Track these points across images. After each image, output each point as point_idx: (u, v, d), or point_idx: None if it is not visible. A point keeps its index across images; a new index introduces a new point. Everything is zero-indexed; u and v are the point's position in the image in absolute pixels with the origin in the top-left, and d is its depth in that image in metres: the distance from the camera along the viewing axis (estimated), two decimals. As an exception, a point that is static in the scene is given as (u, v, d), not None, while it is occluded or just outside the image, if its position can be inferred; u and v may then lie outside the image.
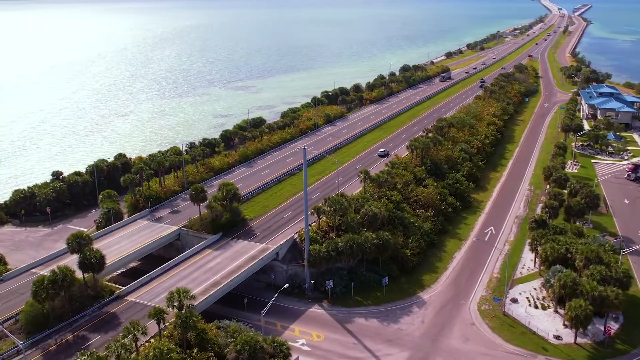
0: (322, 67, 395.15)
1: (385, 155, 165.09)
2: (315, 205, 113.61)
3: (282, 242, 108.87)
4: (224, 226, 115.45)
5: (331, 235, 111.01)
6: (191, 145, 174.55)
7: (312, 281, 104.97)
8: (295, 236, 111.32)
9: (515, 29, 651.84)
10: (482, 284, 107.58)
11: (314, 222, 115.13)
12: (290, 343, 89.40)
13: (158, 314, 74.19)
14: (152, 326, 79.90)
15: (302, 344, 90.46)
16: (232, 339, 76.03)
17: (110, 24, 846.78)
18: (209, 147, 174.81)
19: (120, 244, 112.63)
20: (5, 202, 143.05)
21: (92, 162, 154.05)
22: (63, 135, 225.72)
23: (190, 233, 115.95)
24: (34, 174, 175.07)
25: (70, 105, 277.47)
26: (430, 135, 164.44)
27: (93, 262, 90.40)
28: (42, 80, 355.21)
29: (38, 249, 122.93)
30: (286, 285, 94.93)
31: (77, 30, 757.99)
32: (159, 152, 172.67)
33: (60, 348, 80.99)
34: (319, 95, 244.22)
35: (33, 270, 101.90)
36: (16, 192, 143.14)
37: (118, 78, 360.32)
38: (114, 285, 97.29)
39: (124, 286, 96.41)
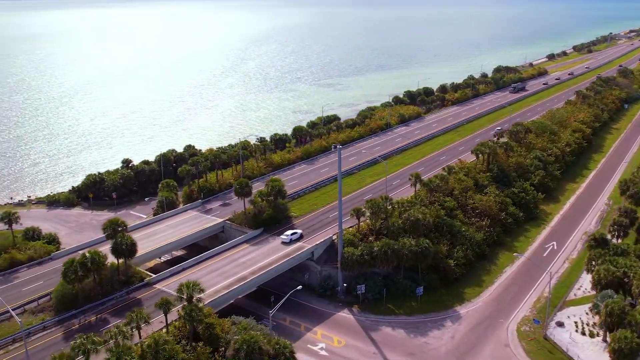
0: (416, 67, 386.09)
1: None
2: (356, 207, 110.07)
3: (317, 242, 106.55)
4: (266, 222, 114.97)
5: (370, 238, 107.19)
6: (261, 140, 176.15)
7: (344, 284, 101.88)
8: (334, 237, 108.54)
9: (631, 31, 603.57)
10: (528, 303, 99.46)
11: (354, 224, 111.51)
12: (309, 346, 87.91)
13: (164, 305, 74.47)
14: (171, 315, 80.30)
15: (321, 348, 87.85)
16: (237, 336, 74.93)
17: (219, 20, 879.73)
18: (280, 142, 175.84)
19: (166, 233, 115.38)
20: (77, 185, 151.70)
21: (161, 152, 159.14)
22: (148, 125, 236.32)
23: (233, 226, 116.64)
24: (114, 161, 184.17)
25: (162, 98, 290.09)
26: (501, 140, 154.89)
27: (124, 249, 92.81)
28: (143, 73, 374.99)
29: (98, 232, 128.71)
30: (299, 287, 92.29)
31: (187, 25, 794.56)
32: (229, 145, 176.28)
33: (81, 328, 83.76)
34: (401, 95, 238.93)
35: (81, 251, 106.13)
36: (88, 177, 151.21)
37: (212, 73, 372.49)
38: (146, 272, 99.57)
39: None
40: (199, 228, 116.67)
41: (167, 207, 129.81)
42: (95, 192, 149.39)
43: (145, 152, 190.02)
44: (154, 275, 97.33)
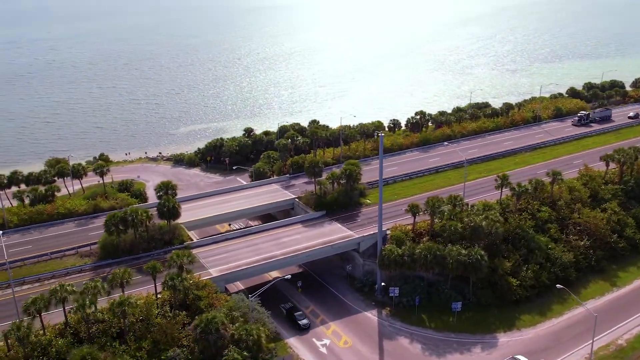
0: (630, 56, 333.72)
1: None
2: (413, 202, 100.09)
3: (365, 234, 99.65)
4: (330, 205, 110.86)
5: (424, 239, 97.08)
6: (394, 123, 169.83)
7: (383, 284, 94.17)
8: (388, 231, 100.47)
9: None
10: (587, 349, 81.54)
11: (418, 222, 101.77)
12: (313, 339, 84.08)
13: (152, 269, 76.13)
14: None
15: (323, 345, 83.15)
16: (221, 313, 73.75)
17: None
18: (415, 126, 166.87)
19: (240, 201, 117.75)
20: (200, 148, 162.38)
21: (279, 124, 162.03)
22: (317, 94, 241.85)
23: (300, 205, 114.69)
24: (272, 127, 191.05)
25: (342, 72, 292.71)
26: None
27: (165, 211, 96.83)
28: (335, 45, 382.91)
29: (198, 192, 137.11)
30: (287, 276, 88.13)
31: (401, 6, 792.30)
32: (360, 124, 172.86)
33: (106, 276, 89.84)
34: (580, 87, 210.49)
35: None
36: (212, 141, 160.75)
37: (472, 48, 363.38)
38: (191, 236, 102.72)
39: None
40: (270, 201, 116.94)
41: (257, 177, 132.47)
42: (214, 156, 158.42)
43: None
44: (194, 240, 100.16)
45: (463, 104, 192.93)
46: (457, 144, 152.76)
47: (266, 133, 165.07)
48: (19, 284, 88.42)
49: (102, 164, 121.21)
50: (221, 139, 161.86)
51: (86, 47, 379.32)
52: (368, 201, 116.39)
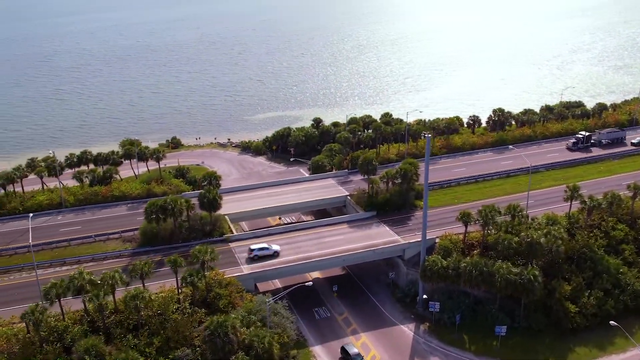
0: None
1: None
2: (467, 210, 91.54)
3: (412, 241, 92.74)
4: (381, 205, 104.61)
5: (474, 252, 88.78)
6: (473, 120, 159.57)
7: (425, 296, 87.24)
8: (437, 239, 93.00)
9: None
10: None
11: (469, 232, 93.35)
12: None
13: (172, 264, 74.23)
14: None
15: (349, 357, 77.65)
16: (234, 316, 70.82)
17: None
18: (495, 124, 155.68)
19: (291, 195, 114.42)
20: (268, 136, 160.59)
21: (348, 116, 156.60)
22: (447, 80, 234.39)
23: (351, 203, 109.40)
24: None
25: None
26: None
27: (205, 202, 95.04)
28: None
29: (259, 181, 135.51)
30: (309, 283, 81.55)
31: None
32: (436, 119, 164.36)
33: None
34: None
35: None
36: (280, 130, 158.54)
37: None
38: (233, 229, 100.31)
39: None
40: (322, 197, 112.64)
41: (315, 170, 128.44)
42: (280, 145, 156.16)
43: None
44: (234, 233, 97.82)
45: (555, 102, 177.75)
46: (536, 146, 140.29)
47: (335, 124, 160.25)
48: (60, 264, 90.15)
49: (158, 149, 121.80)
50: (289, 128, 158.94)
51: (184, 31, 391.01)
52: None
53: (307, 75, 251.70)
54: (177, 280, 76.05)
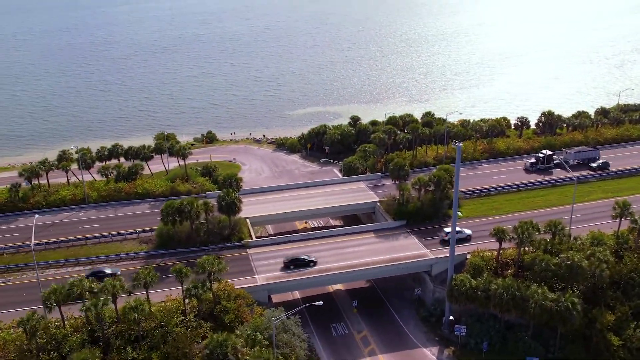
0: None
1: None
2: (502, 226, 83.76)
3: (440, 256, 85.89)
4: (411, 214, 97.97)
5: (507, 272, 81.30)
6: (521, 121, 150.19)
7: (452, 317, 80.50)
8: (469, 255, 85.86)
9: None
10: None
11: (505, 248, 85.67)
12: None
13: (177, 273, 70.15)
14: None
15: (362, 382, 72.11)
16: (236, 335, 66.31)
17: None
18: (544, 127, 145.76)
19: (319, 198, 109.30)
20: (304, 133, 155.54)
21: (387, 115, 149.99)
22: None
23: (379, 210, 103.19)
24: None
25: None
26: None
27: (224, 205, 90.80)
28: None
29: (292, 181, 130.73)
30: (319, 303, 74.54)
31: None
32: (481, 120, 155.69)
33: (156, 268, 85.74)
34: None
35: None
36: (315, 128, 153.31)
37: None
38: (252, 233, 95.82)
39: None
40: (351, 202, 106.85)
41: (347, 172, 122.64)
42: (316, 143, 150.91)
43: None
44: (252, 239, 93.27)
45: (612, 104, 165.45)
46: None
47: (373, 123, 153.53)
48: (73, 265, 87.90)
49: (184, 146, 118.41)
50: (325, 125, 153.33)
51: (235, 22, 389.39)
52: (460, 214, 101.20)
53: (351, 69, 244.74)
54: (182, 290, 71.98)
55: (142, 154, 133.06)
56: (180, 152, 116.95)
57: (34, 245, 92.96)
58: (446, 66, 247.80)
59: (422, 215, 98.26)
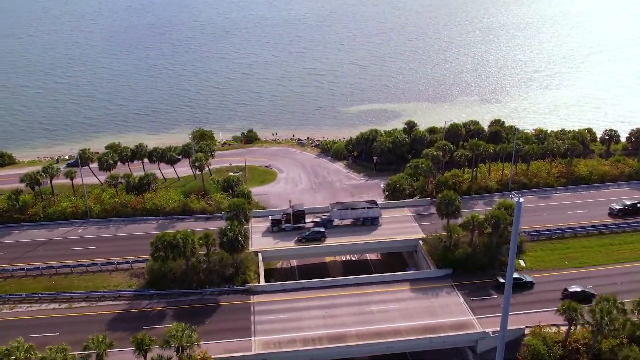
0: None
1: None
2: (573, 303, 63.04)
3: (489, 329, 66.51)
4: (459, 262, 78.63)
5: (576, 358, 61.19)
6: (610, 135, 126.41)
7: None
8: (527, 331, 66.12)
9: None
10: None
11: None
12: None
13: (136, 345, 54.97)
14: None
15: None
16: None
17: None
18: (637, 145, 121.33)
19: (359, 230, 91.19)
20: (352, 138, 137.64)
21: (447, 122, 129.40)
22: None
23: (421, 251, 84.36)
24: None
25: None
26: None
27: (226, 242, 74.93)
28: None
29: (335, 198, 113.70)
30: None
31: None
32: (561, 130, 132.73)
33: (140, 313, 72.08)
34: None
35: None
36: (365, 133, 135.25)
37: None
38: (261, 272, 79.55)
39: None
40: (388, 237, 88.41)
41: (391, 194, 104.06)
42: (364, 150, 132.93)
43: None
44: (259, 284, 76.98)
45: None
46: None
47: (431, 130, 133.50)
48: (49, 300, 75.09)
49: (200, 156, 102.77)
50: (375, 131, 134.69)
51: (303, 4, 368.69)
52: (522, 263, 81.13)
53: (417, 62, 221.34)
54: (146, 364, 56.96)
55: (167, 156, 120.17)
56: (196, 162, 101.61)
57: (14, 270, 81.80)
58: (525, 61, 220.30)
59: (473, 264, 78.78)
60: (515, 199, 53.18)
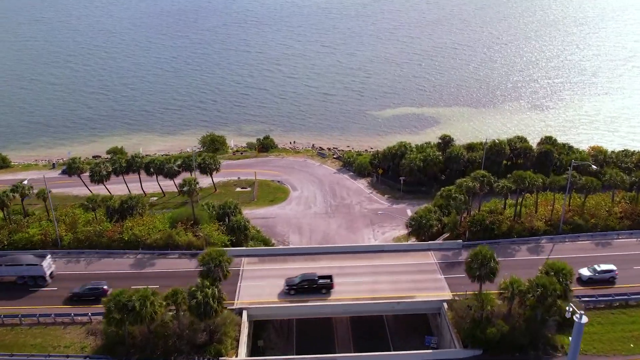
0: None
1: None
2: None
3: None
4: (492, 342, 61.68)
5: None
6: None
7: None
8: None
9: None
10: None
11: None
12: None
13: None
14: None
15: None
16: None
17: None
18: None
19: (358, 278, 75.57)
20: (377, 153, 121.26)
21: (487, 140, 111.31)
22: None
23: (445, 318, 67.65)
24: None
25: None
26: None
27: (195, 305, 59.84)
28: None
29: (339, 228, 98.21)
30: None
31: None
32: (625, 151, 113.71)
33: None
34: None
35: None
36: (392, 147, 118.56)
37: None
38: (243, 339, 64.32)
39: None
40: (404, 294, 71.88)
41: (415, 230, 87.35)
42: (391, 167, 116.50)
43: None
44: (238, 358, 61.78)
45: None
46: None
47: (470, 147, 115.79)
48: (-18, 365, 61.87)
49: (190, 180, 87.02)
50: (404, 145, 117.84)
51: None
52: (593, 349, 63.53)
53: (459, 59, 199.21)
54: None
55: (165, 169, 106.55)
56: (184, 187, 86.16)
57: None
58: (584, 61, 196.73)
59: (510, 345, 61.69)
60: (576, 318, 36.09)
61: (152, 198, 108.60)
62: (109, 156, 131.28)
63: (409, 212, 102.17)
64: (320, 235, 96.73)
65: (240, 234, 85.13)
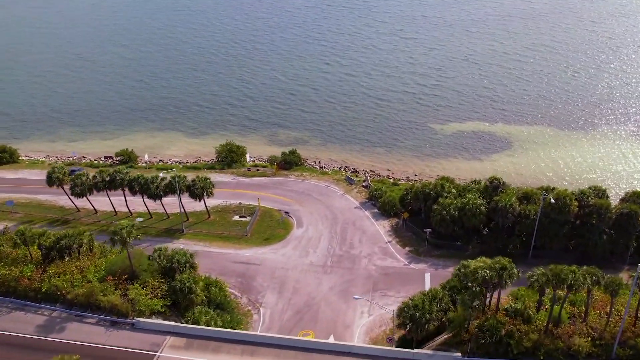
0: None
1: None
2: None
3: None
4: None
5: None
6: None
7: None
8: None
9: None
10: None
11: None
12: None
13: None
14: None
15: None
16: None
17: None
18: None
19: None
20: (412, 187, 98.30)
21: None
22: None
23: None
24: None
25: None
26: None
27: None
28: None
29: (330, 290, 78.38)
30: None
31: None
32: None
33: None
34: None
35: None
36: (426, 184, 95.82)
37: None
38: None
39: None
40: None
41: (408, 327, 65.21)
42: (422, 210, 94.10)
43: None
44: None
45: None
46: None
47: (525, 196, 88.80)
48: None
49: (123, 226, 67.97)
50: (442, 184, 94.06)
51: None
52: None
53: (557, 63, 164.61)
54: None
55: (149, 190, 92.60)
56: (116, 236, 67.79)
57: None
58: None
59: None
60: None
61: (137, 219, 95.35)
62: (118, 159, 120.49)
63: (428, 279, 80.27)
64: (303, 299, 77.40)
65: (183, 298, 67.64)
